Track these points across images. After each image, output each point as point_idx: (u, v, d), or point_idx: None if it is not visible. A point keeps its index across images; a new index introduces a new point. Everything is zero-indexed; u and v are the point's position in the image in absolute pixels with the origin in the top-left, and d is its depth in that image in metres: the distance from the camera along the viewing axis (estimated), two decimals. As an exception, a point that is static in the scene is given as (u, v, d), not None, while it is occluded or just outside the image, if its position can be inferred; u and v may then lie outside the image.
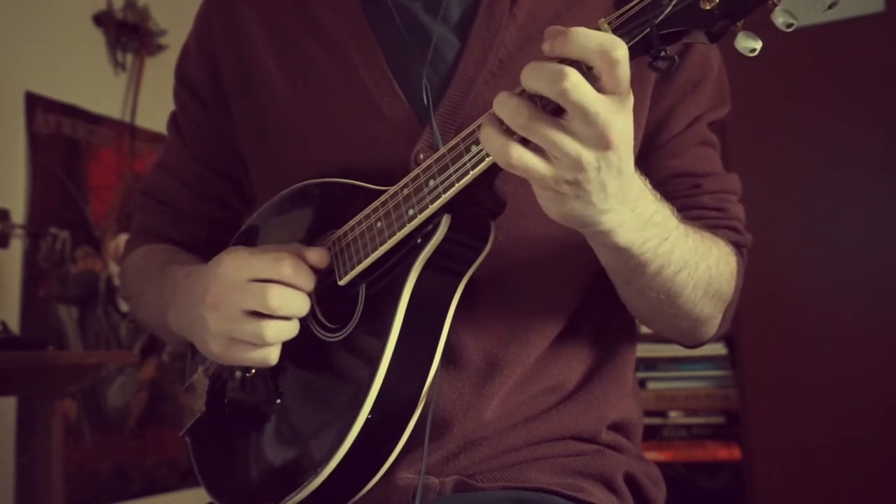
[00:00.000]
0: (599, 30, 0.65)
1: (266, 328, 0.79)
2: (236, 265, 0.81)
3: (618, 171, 0.66)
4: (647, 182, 0.76)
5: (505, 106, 0.65)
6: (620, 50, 0.61)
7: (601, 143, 0.63)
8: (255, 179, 1.03)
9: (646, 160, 0.91)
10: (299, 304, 0.80)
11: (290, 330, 0.81)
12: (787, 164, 2.11)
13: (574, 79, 0.61)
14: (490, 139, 0.67)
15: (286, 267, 0.80)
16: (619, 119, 0.63)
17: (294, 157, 0.94)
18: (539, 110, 0.64)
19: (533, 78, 0.63)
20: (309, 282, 0.81)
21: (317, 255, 0.83)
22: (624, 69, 0.62)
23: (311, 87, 0.94)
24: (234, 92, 1.00)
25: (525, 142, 0.65)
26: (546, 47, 0.64)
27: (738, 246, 0.94)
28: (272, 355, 0.81)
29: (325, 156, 0.91)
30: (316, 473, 0.77)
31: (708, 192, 0.93)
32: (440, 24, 0.90)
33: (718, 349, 2.23)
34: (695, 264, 0.82)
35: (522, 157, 0.65)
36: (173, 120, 1.11)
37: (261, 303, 0.78)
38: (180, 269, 0.94)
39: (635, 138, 0.88)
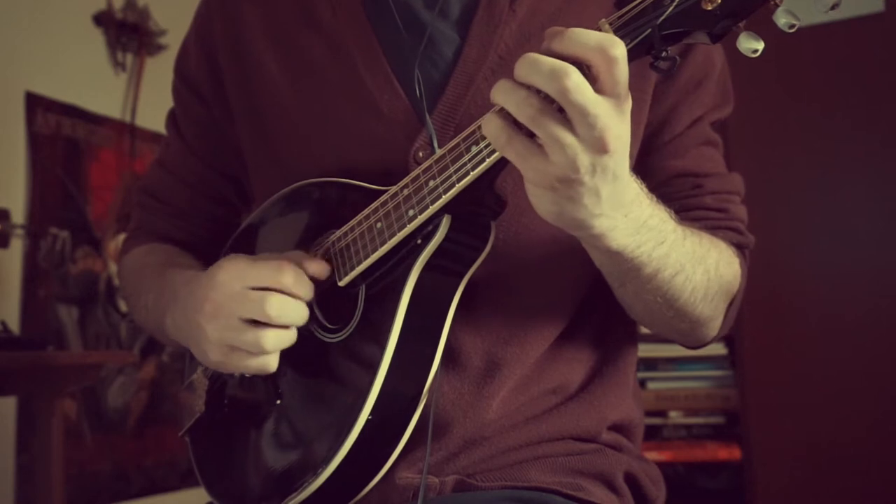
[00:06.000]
0: (600, 30, 0.64)
1: (265, 337, 0.79)
2: (235, 274, 0.81)
3: (613, 176, 0.66)
4: (644, 185, 0.76)
5: (510, 95, 0.64)
6: (618, 48, 0.61)
7: (598, 146, 0.63)
8: (253, 177, 1.03)
9: (647, 160, 0.91)
10: (298, 312, 0.80)
11: (289, 338, 0.81)
12: (787, 163, 2.11)
13: (576, 78, 0.60)
14: (489, 121, 0.66)
15: (286, 276, 0.80)
16: (617, 123, 0.63)
17: (293, 156, 0.94)
18: (549, 105, 0.62)
19: (531, 72, 0.62)
20: (308, 291, 0.81)
21: (316, 267, 0.83)
22: (622, 68, 0.61)
23: (310, 85, 0.93)
24: (233, 89, 1.00)
25: (531, 135, 0.65)
26: (544, 46, 0.63)
27: (740, 247, 0.94)
28: (271, 363, 0.81)
29: (324, 154, 0.91)
30: (316, 474, 0.77)
31: (710, 192, 0.93)
32: (440, 19, 0.90)
33: (718, 349, 2.22)
34: (692, 268, 0.81)
35: (517, 142, 0.65)
36: (172, 117, 1.10)
37: (259, 311, 0.78)
38: (180, 275, 0.94)
39: (636, 138, 0.89)
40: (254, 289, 0.80)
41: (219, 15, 1.02)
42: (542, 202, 0.68)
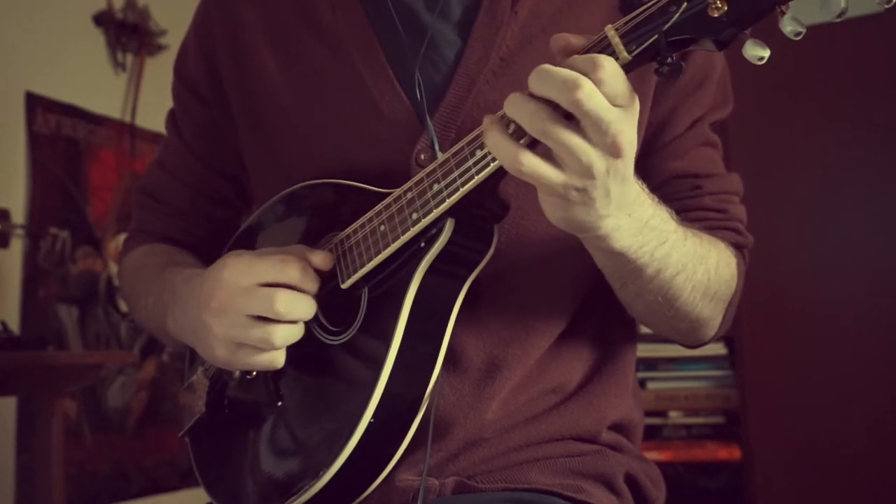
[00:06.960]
0: (606, 36, 0.65)
1: (274, 332, 0.79)
2: (241, 269, 0.81)
3: (621, 178, 0.67)
4: (645, 186, 0.76)
5: (522, 108, 0.64)
6: (602, 71, 0.61)
7: (612, 150, 0.63)
8: (254, 178, 1.02)
9: (647, 161, 0.91)
10: (306, 307, 0.80)
11: (297, 333, 0.81)
12: (787, 163, 2.11)
13: (587, 88, 0.60)
14: (499, 146, 0.66)
15: (293, 270, 0.80)
16: (627, 127, 0.63)
17: (294, 157, 0.94)
18: (558, 115, 0.63)
19: (543, 84, 0.62)
20: (315, 284, 0.81)
21: (321, 258, 0.83)
22: (614, 85, 0.62)
23: (311, 86, 0.93)
24: (232, 89, 0.99)
25: (531, 146, 0.65)
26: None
27: (739, 247, 0.94)
28: (279, 359, 0.81)
29: (325, 155, 0.91)
30: (317, 477, 0.77)
31: (709, 193, 0.93)
32: (441, 21, 0.90)
33: (718, 349, 2.23)
34: (693, 267, 0.82)
35: (532, 164, 0.65)
36: (172, 117, 1.10)
37: (268, 308, 0.78)
38: (179, 273, 0.94)
39: (637, 139, 0.89)
40: (261, 285, 0.80)
41: (218, 15, 1.01)
42: (555, 209, 0.69)
